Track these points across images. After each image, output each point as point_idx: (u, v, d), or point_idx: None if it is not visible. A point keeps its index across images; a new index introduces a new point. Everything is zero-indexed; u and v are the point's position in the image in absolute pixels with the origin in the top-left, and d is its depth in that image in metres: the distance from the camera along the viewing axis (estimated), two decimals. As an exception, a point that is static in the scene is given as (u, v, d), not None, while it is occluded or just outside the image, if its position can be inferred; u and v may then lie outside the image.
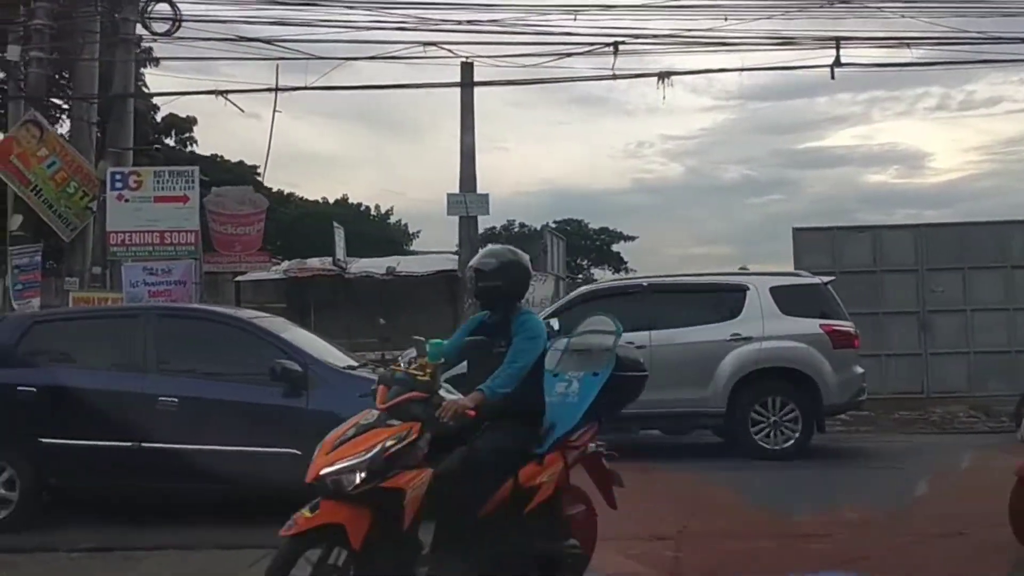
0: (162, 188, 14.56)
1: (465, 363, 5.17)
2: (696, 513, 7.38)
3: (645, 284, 11.44)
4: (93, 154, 15.15)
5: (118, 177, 14.53)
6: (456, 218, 15.46)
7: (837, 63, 13.73)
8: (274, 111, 14.56)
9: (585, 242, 57.43)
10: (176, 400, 7.27)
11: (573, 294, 12.14)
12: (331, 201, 44.96)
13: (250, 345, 7.67)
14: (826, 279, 11.61)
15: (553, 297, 16.28)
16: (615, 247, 60.02)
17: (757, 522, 6.96)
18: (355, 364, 8.19)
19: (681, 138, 73.11)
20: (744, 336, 10.59)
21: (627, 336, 10.08)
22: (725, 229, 71.12)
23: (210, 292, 15.36)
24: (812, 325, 10.65)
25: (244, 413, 7.33)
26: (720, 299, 11.03)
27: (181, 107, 23.58)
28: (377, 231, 40.64)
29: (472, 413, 4.59)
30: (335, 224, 15.08)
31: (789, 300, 10.84)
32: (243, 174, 36.24)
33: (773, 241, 75.91)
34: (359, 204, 45.31)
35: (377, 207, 46.51)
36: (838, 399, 10.62)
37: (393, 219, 46.88)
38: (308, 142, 61.92)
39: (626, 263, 61.49)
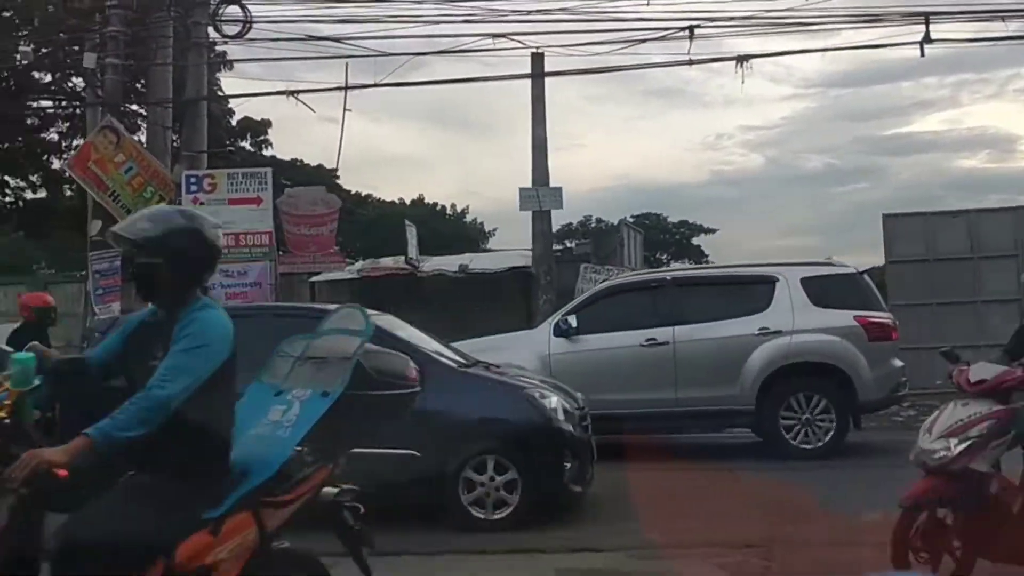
0: (236, 190, 14.59)
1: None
2: (779, 518, 6.90)
3: (669, 278, 11.04)
4: (169, 158, 15.27)
5: (193, 180, 14.60)
6: (530, 214, 15.15)
7: (927, 39, 13.01)
8: (344, 109, 14.49)
9: (664, 236, 56.61)
10: None
11: (595, 288, 11.74)
12: (407, 202, 45.17)
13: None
14: (862, 268, 11.01)
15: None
16: (695, 240, 59.07)
17: (844, 527, 6.46)
18: (468, 362, 7.99)
19: (761, 128, 71.58)
20: (773, 330, 10.08)
21: (650, 332, 10.03)
22: (809, 220, 69.37)
23: (285, 293, 15.34)
24: (846, 317, 10.11)
25: None
26: (748, 291, 10.52)
27: (255, 111, 23.89)
28: (452, 230, 40.61)
29: (63, 473, 3.04)
30: (407, 223, 14.92)
31: (821, 291, 10.31)
32: (323, 177, 36.60)
33: (859, 231, 73.71)
34: (435, 204, 45.38)
35: (453, 206, 46.54)
36: (875, 395, 10.09)
37: (469, 218, 46.84)
38: (385, 144, 62.44)
39: (707, 256, 60.40)
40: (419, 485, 6.84)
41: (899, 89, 67.33)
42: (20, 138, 22.68)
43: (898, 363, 10.42)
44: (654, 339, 10.00)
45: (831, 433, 9.84)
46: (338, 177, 42.38)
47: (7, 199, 25.26)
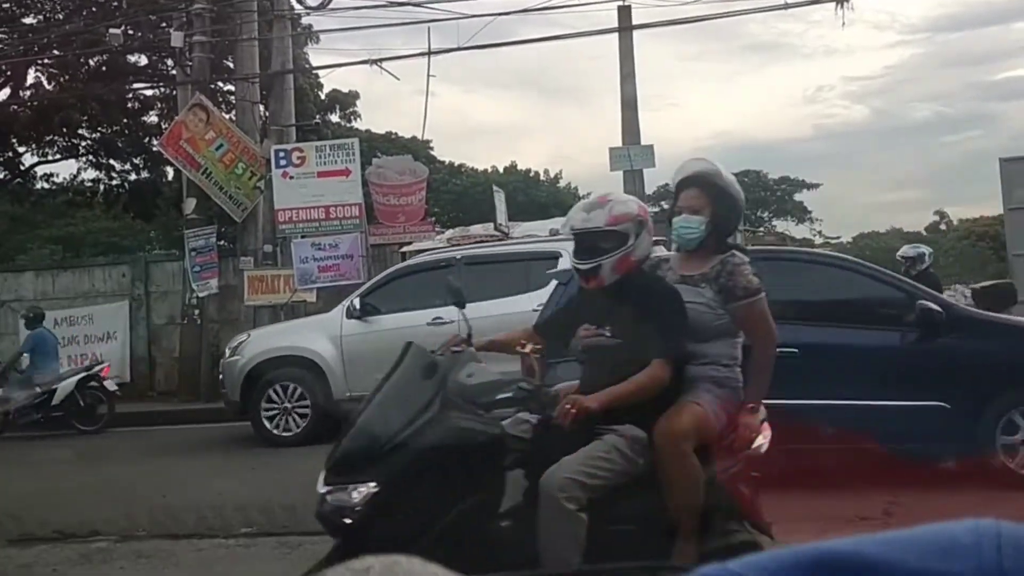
0: (324, 163, 14.54)
1: None
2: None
3: (459, 256, 10.83)
4: (258, 134, 15.34)
5: (282, 155, 14.60)
6: (623, 175, 14.69)
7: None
8: (428, 75, 14.26)
9: (765, 193, 55.11)
10: (797, 351, 6.06)
11: (389, 270, 11.76)
12: (500, 169, 44.95)
13: (869, 287, 7.11)
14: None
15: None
16: (797, 196, 57.37)
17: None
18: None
19: (865, 78, 68.90)
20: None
21: (437, 312, 9.37)
22: (918, 172, 66.64)
23: (377, 264, 15.28)
24: None
25: (880, 361, 6.68)
26: (533, 268, 10.01)
27: (344, 83, 23.87)
28: (547, 197, 40.24)
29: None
30: (495, 188, 14.61)
31: None
32: (417, 149, 36.70)
33: (973, 182, 70.46)
34: (528, 170, 45.07)
35: (547, 171, 46.12)
36: None
37: (563, 183, 46.38)
38: (478, 114, 62.35)
39: (810, 212, 58.55)
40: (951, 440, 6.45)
41: (1010, 31, 63.74)
42: (125, 120, 23.17)
43: None
44: (440, 318, 9.55)
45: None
46: (432, 148, 42.73)
47: (114, 182, 25.92)
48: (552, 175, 46.49)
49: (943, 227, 68.00)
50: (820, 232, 58.57)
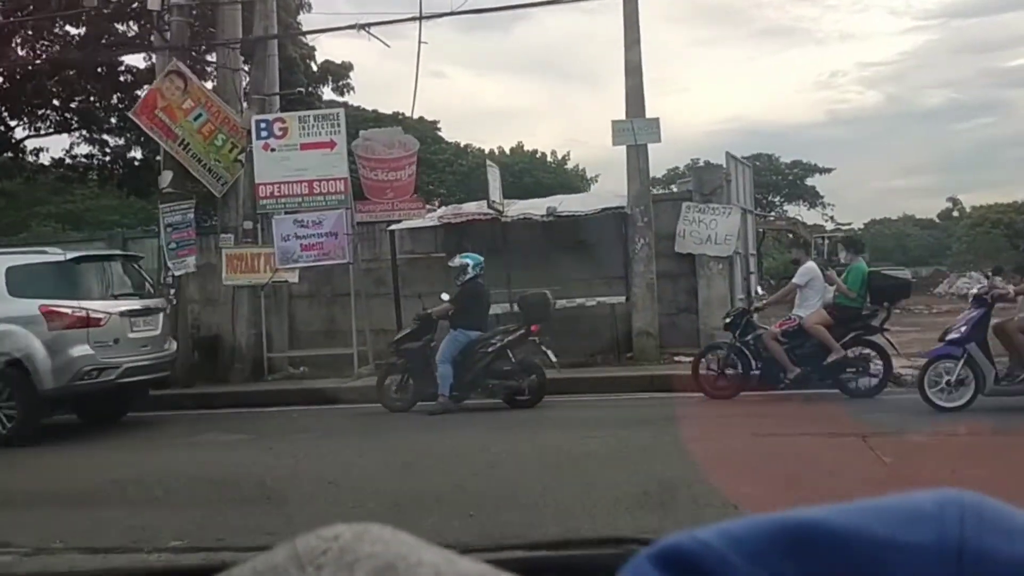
0: (308, 134, 13.68)
1: None
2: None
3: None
4: (240, 104, 14.47)
5: (263, 125, 13.74)
6: (626, 152, 13.75)
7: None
8: (419, 42, 13.36)
9: (776, 178, 53.99)
10: None
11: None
12: (507, 150, 44.06)
13: None
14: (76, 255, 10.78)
15: (740, 233, 14.35)
16: (809, 181, 56.26)
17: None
18: None
19: (879, 64, 67.77)
20: None
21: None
22: (930, 158, 65.48)
23: (365, 243, 14.43)
24: (32, 307, 9.98)
25: None
26: None
27: (337, 55, 22.81)
28: (553, 178, 39.32)
29: None
30: (488, 164, 13.67)
31: (25, 280, 10.24)
32: (424, 131, 35.87)
33: (986, 168, 69.14)
34: (534, 151, 44.14)
35: (554, 153, 45.19)
36: (52, 384, 9.91)
37: (571, 165, 45.45)
38: (492, 98, 61.32)
39: (822, 197, 57.49)
40: None
41: (1031, 14, 62.13)
42: (118, 94, 22.28)
43: (81, 351, 10.01)
44: None
45: (15, 422, 9.84)
46: (439, 129, 41.86)
47: (107, 158, 25.15)
48: (560, 157, 45.56)
49: (955, 214, 66.82)
50: (832, 217, 57.54)
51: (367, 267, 14.54)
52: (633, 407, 10.44)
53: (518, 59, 70.01)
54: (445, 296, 10.73)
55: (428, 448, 8.31)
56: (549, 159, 44.47)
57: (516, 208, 13.66)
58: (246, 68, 15.01)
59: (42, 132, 24.62)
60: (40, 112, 23.56)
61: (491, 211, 13.20)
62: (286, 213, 13.83)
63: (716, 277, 14.05)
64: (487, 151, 41.84)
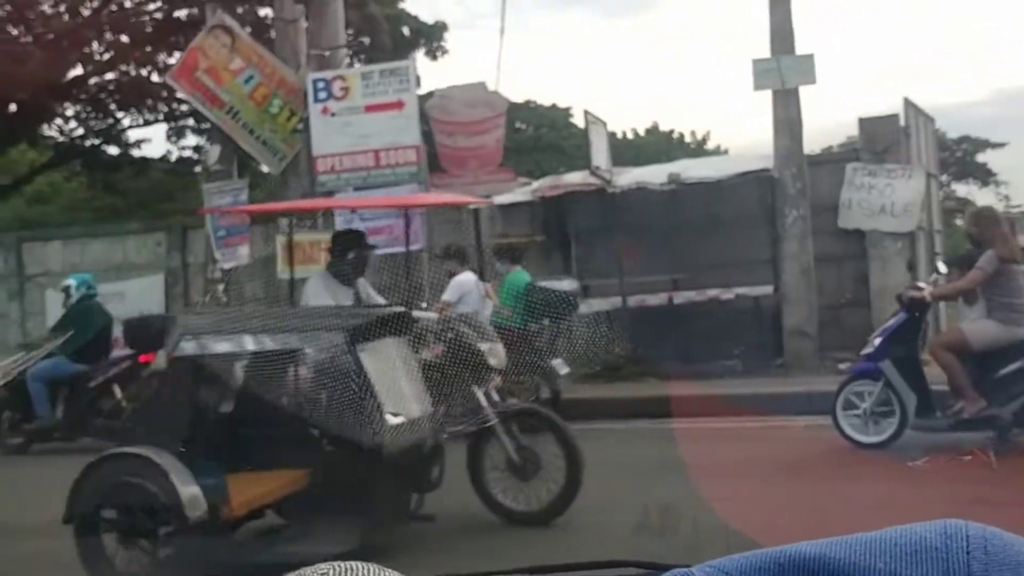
0: (372, 93, 11.23)
1: None
2: None
3: None
4: (300, 64, 12.14)
5: (321, 85, 11.37)
6: (772, 99, 10.70)
7: None
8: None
9: (944, 154, 48.85)
10: None
11: None
12: (641, 132, 40.93)
13: None
14: None
15: (923, 204, 11.07)
16: (980, 157, 50.83)
17: None
18: None
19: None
20: None
21: None
22: None
23: (443, 227, 11.84)
24: None
25: None
26: None
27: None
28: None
29: None
30: (590, 118, 10.76)
31: None
32: (555, 119, 33.24)
33: None
34: (671, 131, 40.87)
35: (693, 134, 41.69)
36: None
37: (711, 146, 41.85)
38: (626, 80, 58.36)
39: (995, 175, 51.78)
40: None
41: None
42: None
43: None
44: None
45: None
46: (572, 116, 39.15)
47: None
48: (700, 138, 42.11)
49: None
50: (1007, 197, 51.81)
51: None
52: (786, 441, 7.45)
53: (652, 41, 66.41)
54: None
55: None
56: (688, 140, 41.02)
57: (629, 176, 10.78)
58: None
59: (150, 122, 23.51)
60: (148, 101, 22.36)
61: (596, 180, 10.38)
62: (354, 190, 11.44)
63: (893, 259, 10.79)
64: (620, 135, 38.88)
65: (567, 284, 9.13)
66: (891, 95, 63.66)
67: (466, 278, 9.00)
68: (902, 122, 11.33)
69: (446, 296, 8.84)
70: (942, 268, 7.50)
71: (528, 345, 8.55)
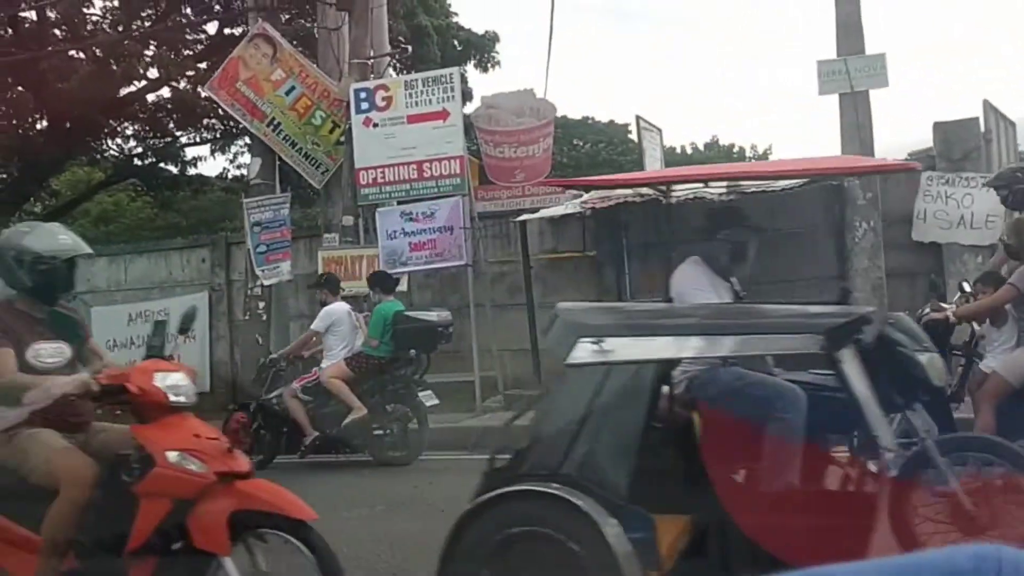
0: (416, 103, 10.79)
1: None
2: None
3: None
4: (344, 71, 11.77)
5: (363, 95, 10.97)
6: (838, 103, 10.01)
7: None
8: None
9: None
10: None
11: None
12: (700, 146, 40.12)
13: None
14: None
15: (1006, 217, 10.24)
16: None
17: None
18: None
19: None
20: None
21: None
22: None
23: (496, 240, 11.36)
24: None
25: None
26: None
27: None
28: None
29: None
30: (643, 123, 10.17)
31: None
32: (613, 134, 32.65)
33: None
34: (731, 145, 39.99)
35: (753, 147, 40.75)
36: None
37: (774, 158, 40.85)
38: (683, 94, 57.54)
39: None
40: None
41: None
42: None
43: None
44: None
45: None
46: (630, 132, 38.61)
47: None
48: (760, 151, 41.14)
49: None
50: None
51: (499, 270, 11.48)
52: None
53: (712, 54, 65.50)
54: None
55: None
56: (748, 153, 40.09)
57: (685, 186, 10.13)
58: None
59: (206, 140, 23.41)
60: (206, 121, 22.28)
61: (649, 190, 9.75)
62: (398, 203, 11.01)
63: (973, 274, 9.94)
64: (678, 149, 38.13)
65: (436, 315, 8.75)
66: (968, 98, 61.74)
67: (337, 307, 8.77)
68: (982, 127, 10.52)
69: (315, 325, 8.65)
70: (966, 287, 6.59)
71: (390, 374, 8.28)
